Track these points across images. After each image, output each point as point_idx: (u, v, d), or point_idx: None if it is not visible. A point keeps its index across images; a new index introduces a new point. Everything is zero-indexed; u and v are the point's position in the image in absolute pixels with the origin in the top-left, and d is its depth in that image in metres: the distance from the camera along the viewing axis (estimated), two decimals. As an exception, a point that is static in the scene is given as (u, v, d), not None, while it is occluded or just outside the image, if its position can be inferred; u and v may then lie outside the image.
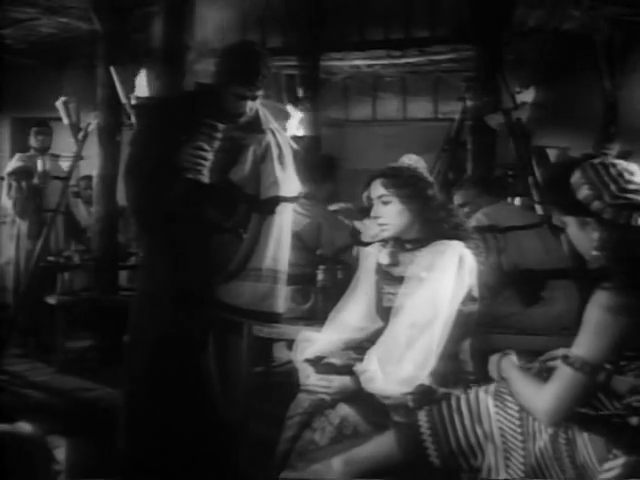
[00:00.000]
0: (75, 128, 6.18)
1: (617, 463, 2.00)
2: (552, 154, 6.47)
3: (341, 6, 7.72)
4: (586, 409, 2.08)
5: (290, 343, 4.59)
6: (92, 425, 3.93)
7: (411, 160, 2.79)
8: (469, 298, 2.60)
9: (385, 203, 2.68)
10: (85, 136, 5.97)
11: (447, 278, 2.54)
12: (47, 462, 2.00)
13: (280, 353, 5.19)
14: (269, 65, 3.14)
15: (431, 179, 2.76)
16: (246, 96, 3.08)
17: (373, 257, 2.83)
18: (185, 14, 4.15)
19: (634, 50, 7.67)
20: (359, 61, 8.78)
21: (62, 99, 6.22)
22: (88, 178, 7.06)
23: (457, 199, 4.40)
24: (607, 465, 2.01)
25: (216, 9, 6.36)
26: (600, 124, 7.69)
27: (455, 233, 2.65)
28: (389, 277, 2.73)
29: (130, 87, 5.65)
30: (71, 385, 5.20)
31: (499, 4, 5.99)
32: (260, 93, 3.12)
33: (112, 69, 5.69)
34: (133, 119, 5.76)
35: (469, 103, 5.61)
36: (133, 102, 4.86)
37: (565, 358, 2.05)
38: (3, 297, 7.34)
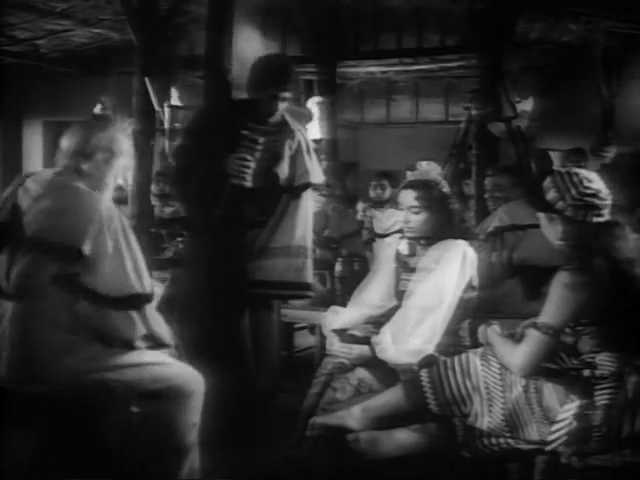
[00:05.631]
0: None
1: (573, 405, 2.47)
2: (554, 156, 6.69)
3: (357, 18, 7.95)
4: (550, 364, 2.54)
5: (312, 329, 4.99)
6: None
7: (430, 166, 3.15)
8: (469, 287, 3.02)
9: (415, 213, 3.04)
10: (121, 141, 6.22)
11: (452, 270, 2.95)
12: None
13: (301, 340, 5.57)
14: (295, 72, 3.67)
15: (451, 193, 3.10)
16: (278, 96, 3.47)
17: (393, 247, 3.22)
18: (226, 27, 4.28)
19: (629, 60, 7.81)
20: (373, 68, 8.94)
21: (99, 106, 6.54)
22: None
23: (493, 181, 4.52)
24: (566, 407, 2.47)
25: (238, 21, 6.57)
26: (598, 128, 7.79)
27: (463, 235, 3.06)
28: (406, 266, 3.11)
29: (163, 96, 6.01)
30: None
31: (502, 18, 6.16)
32: (289, 95, 3.52)
33: (146, 80, 6.02)
34: (167, 125, 6.11)
35: (474, 112, 5.90)
36: (182, 114, 5.13)
37: (534, 324, 2.52)
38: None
